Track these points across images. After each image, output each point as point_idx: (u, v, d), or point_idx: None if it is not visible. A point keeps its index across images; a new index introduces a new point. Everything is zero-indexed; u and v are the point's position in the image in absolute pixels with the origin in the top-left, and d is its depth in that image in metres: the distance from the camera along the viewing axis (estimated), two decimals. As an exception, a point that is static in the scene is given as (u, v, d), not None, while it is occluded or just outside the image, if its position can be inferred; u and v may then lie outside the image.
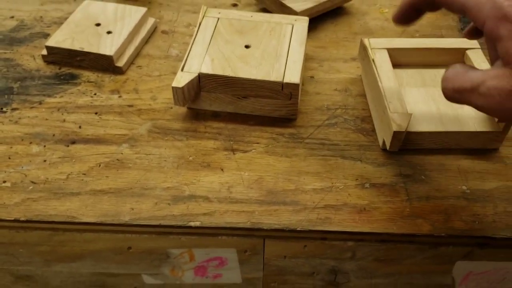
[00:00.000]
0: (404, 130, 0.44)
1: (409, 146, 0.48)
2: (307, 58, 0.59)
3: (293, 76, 0.49)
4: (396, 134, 0.44)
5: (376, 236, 0.42)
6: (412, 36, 0.62)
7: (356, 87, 0.55)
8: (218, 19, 0.56)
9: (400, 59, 0.54)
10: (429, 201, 0.44)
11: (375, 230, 0.42)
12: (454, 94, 0.35)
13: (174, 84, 0.48)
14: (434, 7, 0.39)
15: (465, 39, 0.55)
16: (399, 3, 0.40)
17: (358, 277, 0.47)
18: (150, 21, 0.62)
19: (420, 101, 0.50)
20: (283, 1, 0.61)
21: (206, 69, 0.49)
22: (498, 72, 0.33)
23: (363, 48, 0.54)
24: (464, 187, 0.45)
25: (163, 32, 0.63)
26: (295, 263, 0.46)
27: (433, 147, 0.48)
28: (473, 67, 0.35)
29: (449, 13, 0.67)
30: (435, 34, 0.63)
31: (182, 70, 0.49)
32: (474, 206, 0.44)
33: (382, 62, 0.51)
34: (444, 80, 0.36)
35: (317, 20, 0.64)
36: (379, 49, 0.53)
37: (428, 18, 0.66)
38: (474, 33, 0.41)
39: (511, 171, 0.46)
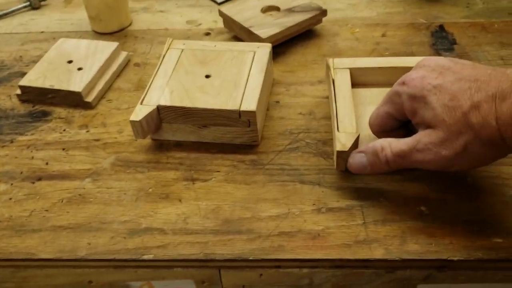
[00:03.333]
0: (347, 150, 0.44)
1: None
2: (274, 83, 0.59)
3: (250, 103, 0.49)
4: (339, 154, 0.44)
5: (330, 262, 0.42)
6: (382, 55, 0.62)
7: (321, 109, 0.55)
8: (182, 50, 0.57)
9: (365, 79, 0.54)
10: (386, 224, 0.43)
11: (328, 256, 0.41)
12: (395, 159, 0.42)
13: (132, 117, 0.49)
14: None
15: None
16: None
17: (321, 303, 0.46)
18: (122, 55, 0.64)
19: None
20: (250, 28, 0.62)
21: (165, 101, 0.50)
22: (426, 132, 0.40)
23: (327, 69, 0.54)
24: (423, 208, 0.44)
25: (136, 64, 0.64)
26: (255, 292, 0.45)
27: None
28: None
29: (421, 29, 0.66)
30: (405, 52, 0.62)
31: (141, 103, 0.50)
32: (432, 227, 0.43)
33: (341, 82, 0.51)
34: (380, 150, 0.42)
35: (287, 44, 0.64)
36: (341, 69, 0.53)
37: (399, 35, 0.65)
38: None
39: (473, 190, 0.45)
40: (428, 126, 0.40)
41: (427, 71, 0.41)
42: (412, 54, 0.62)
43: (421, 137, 0.40)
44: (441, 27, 0.67)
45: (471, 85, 0.38)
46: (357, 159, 0.44)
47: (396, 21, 0.69)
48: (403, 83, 0.42)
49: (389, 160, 0.42)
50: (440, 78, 0.40)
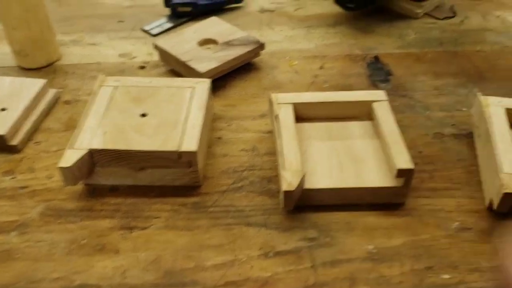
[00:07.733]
0: (293, 189, 0.42)
1: (312, 203, 0.46)
2: (215, 118, 0.57)
3: (190, 143, 0.47)
4: (287, 193, 0.43)
5: (280, 311, 0.40)
6: (321, 87, 0.62)
7: (264, 145, 0.54)
8: (115, 87, 0.54)
9: (308, 113, 0.53)
10: (335, 266, 0.42)
11: (277, 305, 0.40)
12: None
13: (61, 164, 0.45)
14: None
15: (371, 91, 0.54)
16: None
17: None
18: (51, 92, 0.60)
19: (324, 156, 0.49)
20: (187, 63, 0.60)
21: (97, 144, 0.47)
22: None
23: (270, 104, 0.53)
24: (370, 247, 0.43)
25: (66, 102, 0.60)
26: None
27: (338, 203, 0.46)
28: None
29: (357, 60, 0.67)
30: (344, 83, 0.63)
31: (71, 147, 0.47)
32: (380, 267, 0.42)
33: (285, 117, 0.50)
34: None
35: (226, 78, 0.63)
36: (285, 104, 0.52)
37: (337, 67, 0.66)
38: None
39: (418, 224, 0.45)
40: None
41: None
42: (350, 85, 0.62)
43: None
44: (376, 58, 0.68)
45: None
46: None
47: (334, 52, 0.69)
48: None
49: None
50: None
